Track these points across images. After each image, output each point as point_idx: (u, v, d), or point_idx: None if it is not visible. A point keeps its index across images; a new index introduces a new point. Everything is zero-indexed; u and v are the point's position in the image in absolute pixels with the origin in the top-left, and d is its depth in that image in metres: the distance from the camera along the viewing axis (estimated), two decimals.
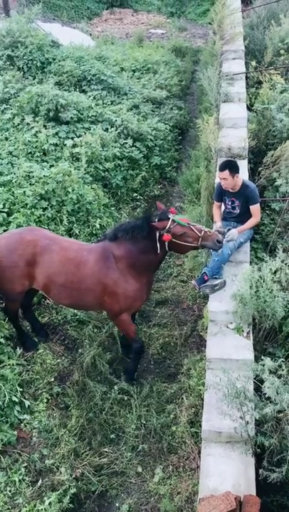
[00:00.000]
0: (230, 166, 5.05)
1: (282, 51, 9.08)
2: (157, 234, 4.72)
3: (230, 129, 7.18)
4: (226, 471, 3.76)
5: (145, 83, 11.10)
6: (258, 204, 5.24)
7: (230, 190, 5.22)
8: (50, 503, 4.26)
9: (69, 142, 8.05)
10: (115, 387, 5.35)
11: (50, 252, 4.91)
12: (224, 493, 3.38)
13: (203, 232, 4.69)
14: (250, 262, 5.24)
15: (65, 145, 8.05)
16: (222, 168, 5.08)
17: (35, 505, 4.30)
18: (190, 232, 4.69)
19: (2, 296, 5.52)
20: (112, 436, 5.01)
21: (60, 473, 4.58)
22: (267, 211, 6.24)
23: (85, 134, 8.27)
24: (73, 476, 4.57)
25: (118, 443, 4.97)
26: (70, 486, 4.45)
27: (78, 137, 8.27)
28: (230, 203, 5.34)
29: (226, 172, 5.04)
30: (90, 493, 4.56)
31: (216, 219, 5.48)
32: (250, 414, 3.67)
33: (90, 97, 9.58)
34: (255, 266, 4.56)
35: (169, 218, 4.70)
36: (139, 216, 5.11)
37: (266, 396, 3.41)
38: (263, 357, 3.52)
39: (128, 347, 5.63)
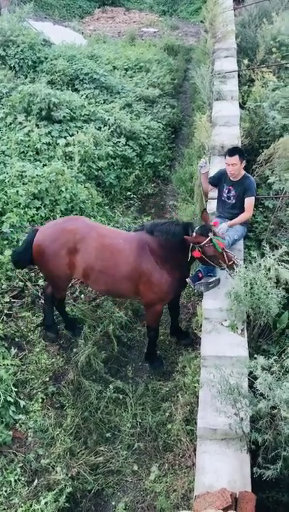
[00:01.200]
0: (240, 152, 5.15)
1: (274, 49, 9.10)
2: (191, 245, 4.78)
3: (223, 127, 7.19)
4: (221, 468, 3.78)
5: (138, 82, 11.08)
6: (253, 198, 5.26)
7: (232, 178, 5.24)
8: (46, 503, 4.26)
9: (62, 141, 8.03)
10: (110, 386, 5.35)
11: (89, 240, 5.08)
12: (220, 490, 3.39)
13: (232, 261, 4.69)
14: (244, 260, 5.25)
15: (57, 144, 8.03)
16: (232, 153, 5.12)
17: (31, 505, 4.30)
18: (220, 257, 4.70)
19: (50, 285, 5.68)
20: (108, 435, 5.02)
21: (56, 472, 4.58)
22: (260, 209, 6.26)
23: (78, 132, 8.25)
24: (69, 475, 4.57)
25: (114, 442, 4.98)
26: (66, 486, 4.45)
27: (71, 136, 8.24)
28: (226, 192, 5.34)
29: (236, 157, 5.09)
30: (86, 492, 4.57)
31: (205, 185, 5.59)
32: (244, 411, 3.68)
33: (82, 95, 9.55)
34: (249, 264, 4.58)
35: (208, 236, 4.66)
36: (179, 222, 5.06)
37: (260, 392, 3.42)
38: (256, 355, 3.53)
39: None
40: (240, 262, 4.83)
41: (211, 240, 4.64)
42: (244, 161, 5.19)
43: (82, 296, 6.42)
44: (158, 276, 5.01)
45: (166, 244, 4.91)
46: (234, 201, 5.33)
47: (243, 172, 5.28)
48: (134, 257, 5.01)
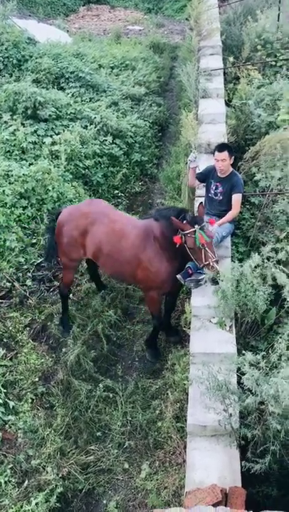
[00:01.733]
0: (228, 147, 5.18)
1: (259, 47, 9.14)
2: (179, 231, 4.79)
3: (209, 124, 7.21)
4: (211, 464, 3.80)
5: (124, 80, 11.07)
6: (240, 195, 5.28)
7: (220, 175, 5.26)
8: (36, 504, 4.25)
9: (48, 140, 7.99)
10: (100, 385, 5.35)
11: (100, 224, 5.37)
12: (210, 486, 3.41)
13: (208, 261, 4.62)
14: (232, 257, 5.28)
15: (44, 143, 7.99)
16: (221, 149, 5.15)
17: (21, 506, 4.29)
18: (198, 253, 4.68)
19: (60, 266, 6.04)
20: (98, 434, 5.02)
21: (47, 472, 4.57)
22: (247, 206, 6.29)
23: (64, 131, 8.22)
24: (60, 475, 4.56)
25: (104, 440, 4.98)
26: (56, 486, 4.44)
27: (57, 135, 8.21)
28: (214, 188, 5.36)
29: (225, 153, 5.11)
30: (77, 492, 4.56)
31: (191, 178, 5.57)
32: (233, 407, 3.70)
33: (68, 94, 9.51)
34: (236, 262, 4.60)
35: (194, 227, 4.66)
36: (178, 207, 5.14)
37: (247, 388, 3.44)
38: (244, 351, 3.55)
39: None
40: (217, 266, 4.64)
41: (195, 231, 4.64)
42: (233, 157, 5.22)
43: (71, 295, 6.40)
44: (158, 264, 5.11)
45: (167, 230, 4.95)
46: (221, 198, 5.35)
47: (231, 169, 5.30)
48: (138, 243, 5.17)
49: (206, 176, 5.46)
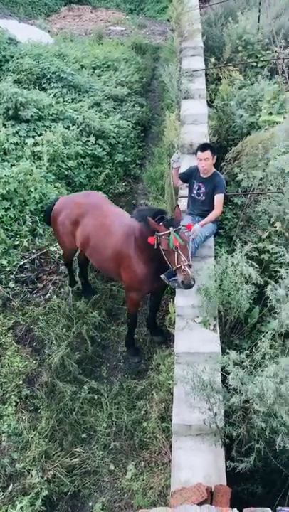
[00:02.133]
0: (211, 147, 5.21)
1: (240, 48, 9.22)
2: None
3: (191, 125, 7.24)
4: (196, 463, 3.81)
5: (106, 80, 11.05)
6: (222, 195, 5.31)
7: (202, 175, 5.29)
8: (21, 508, 4.21)
9: (30, 141, 7.93)
10: (85, 387, 5.33)
11: (91, 216, 5.48)
12: (195, 485, 3.42)
13: (180, 265, 4.56)
14: (215, 257, 5.31)
15: (25, 144, 7.93)
16: (204, 149, 5.18)
17: (6, 511, 4.24)
18: (172, 255, 4.63)
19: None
20: (84, 435, 4.99)
21: (32, 476, 4.53)
22: (230, 206, 6.34)
23: (46, 132, 8.17)
24: (45, 478, 4.53)
25: (90, 442, 4.96)
26: (41, 489, 4.40)
27: (39, 135, 8.16)
28: (196, 188, 5.39)
29: (208, 152, 5.14)
30: (63, 495, 4.54)
31: (175, 178, 5.61)
32: (218, 406, 3.72)
33: (50, 94, 9.46)
34: (218, 260, 4.62)
35: (169, 229, 4.62)
36: (156, 209, 5.12)
37: (232, 387, 3.46)
38: (228, 350, 3.57)
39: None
40: (189, 271, 4.55)
41: (169, 233, 4.60)
42: (215, 157, 5.25)
43: (55, 296, 6.36)
44: (135, 265, 5.13)
45: (145, 231, 4.91)
46: (204, 198, 5.37)
47: (214, 169, 5.33)
48: (120, 241, 5.20)
49: (189, 176, 5.48)
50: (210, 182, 5.29)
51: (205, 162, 5.19)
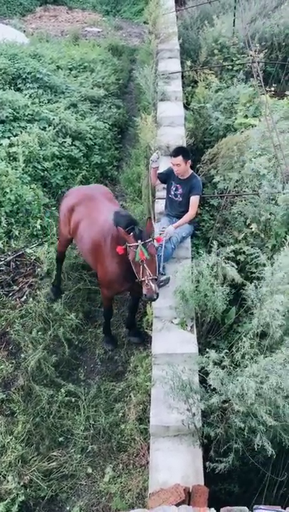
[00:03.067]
0: (183, 152, 5.21)
1: (215, 51, 9.33)
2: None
3: (168, 127, 7.27)
4: (174, 464, 3.82)
5: (82, 81, 10.98)
6: (198, 197, 5.34)
7: (179, 177, 5.31)
8: None
9: (5, 141, 7.81)
10: (62, 390, 5.28)
11: (84, 206, 5.62)
12: (173, 486, 3.43)
13: (144, 278, 4.56)
14: (192, 258, 5.34)
15: (1, 145, 7.81)
16: (176, 154, 5.19)
17: None
18: (137, 267, 4.62)
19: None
20: (61, 439, 4.94)
21: (8, 481, 4.45)
22: (206, 207, 6.39)
23: (22, 133, 8.06)
24: (21, 483, 4.46)
25: (67, 446, 4.91)
26: (18, 494, 4.33)
27: (15, 136, 8.04)
28: (174, 189, 5.41)
29: (180, 158, 5.15)
30: (40, 499, 4.47)
31: (153, 179, 5.64)
32: (196, 406, 3.74)
33: (25, 95, 9.34)
34: (194, 261, 4.65)
35: (138, 241, 4.58)
36: (130, 217, 5.02)
37: (212, 388, 3.48)
38: (207, 349, 3.59)
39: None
40: (153, 285, 4.52)
41: (137, 246, 4.56)
42: (189, 161, 5.27)
43: (31, 299, 6.28)
44: (108, 263, 5.17)
45: (118, 236, 4.90)
46: (181, 199, 5.41)
47: (190, 171, 5.36)
48: (99, 236, 5.24)
49: (168, 177, 5.50)
50: (187, 183, 5.32)
51: (177, 167, 5.23)
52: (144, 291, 4.54)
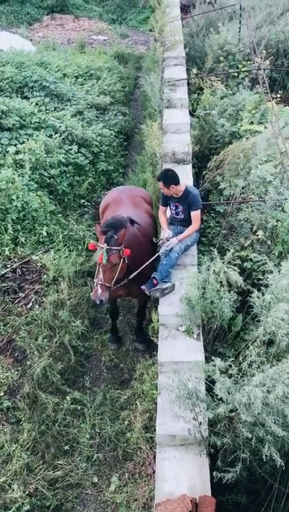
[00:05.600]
0: (165, 178, 5.15)
1: (221, 58, 9.34)
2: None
3: (173, 134, 7.27)
4: (181, 473, 3.77)
5: (88, 89, 11.04)
6: (199, 210, 5.30)
7: (174, 196, 5.29)
8: None
9: (12, 149, 7.86)
10: (68, 398, 5.26)
11: (113, 206, 5.80)
12: (180, 496, 3.38)
13: (96, 281, 4.71)
14: (198, 265, 5.31)
15: (7, 152, 7.85)
16: (158, 179, 5.24)
17: None
18: (95, 267, 4.78)
19: None
20: (66, 447, 4.92)
21: (13, 490, 4.43)
22: (212, 214, 6.37)
23: (29, 140, 8.11)
24: (26, 492, 4.44)
25: (72, 454, 4.88)
26: (23, 504, 4.31)
27: (21, 144, 8.08)
28: (174, 208, 5.41)
29: (160, 183, 5.17)
30: (45, 509, 4.44)
31: (164, 226, 5.51)
32: (202, 415, 3.70)
33: (32, 103, 9.39)
34: (200, 268, 4.63)
35: (103, 246, 4.67)
36: (118, 220, 4.99)
37: (218, 397, 3.44)
38: (213, 358, 3.56)
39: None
40: (99, 290, 4.66)
41: (102, 248, 4.64)
42: (173, 185, 5.17)
43: (37, 306, 6.28)
44: None
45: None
46: (183, 216, 5.39)
47: (183, 188, 5.29)
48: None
49: (167, 198, 5.47)
50: (184, 200, 5.29)
51: (163, 190, 5.22)
52: (91, 293, 4.75)
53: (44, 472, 4.62)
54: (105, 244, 4.63)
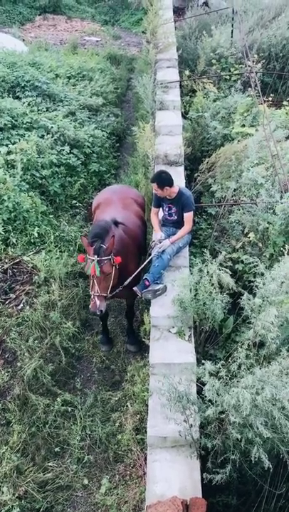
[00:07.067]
0: (159, 180, 5.14)
1: (213, 61, 9.39)
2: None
3: (166, 136, 7.29)
4: (172, 475, 3.77)
5: (81, 90, 11.02)
6: (192, 212, 5.32)
7: (168, 197, 5.30)
8: None
9: (3, 149, 7.82)
10: (58, 399, 5.23)
11: (103, 206, 5.85)
12: (171, 498, 3.38)
13: (92, 293, 4.74)
14: (190, 267, 5.32)
15: None
16: (152, 181, 5.24)
17: None
18: (89, 279, 4.78)
19: None
20: (57, 449, 4.89)
21: (2, 493, 4.40)
22: (204, 216, 6.39)
23: (20, 140, 8.07)
24: (16, 494, 4.41)
25: (63, 456, 4.86)
26: (13, 506, 4.28)
27: (13, 144, 8.05)
28: (167, 209, 5.42)
29: (154, 185, 5.17)
30: (35, 511, 4.41)
31: (156, 228, 5.52)
32: (193, 417, 3.70)
33: (24, 103, 9.36)
34: (193, 270, 4.63)
35: (94, 257, 4.68)
36: (105, 228, 4.97)
37: (208, 398, 3.45)
38: (203, 360, 3.56)
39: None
40: (98, 302, 4.72)
41: (93, 260, 4.64)
42: (167, 187, 5.19)
43: (28, 307, 6.24)
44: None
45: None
46: (176, 217, 5.40)
47: (177, 189, 5.30)
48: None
49: (160, 200, 5.47)
50: (177, 202, 5.30)
51: (156, 191, 5.22)
52: (90, 305, 4.73)
53: (34, 474, 4.60)
54: (95, 256, 4.62)
